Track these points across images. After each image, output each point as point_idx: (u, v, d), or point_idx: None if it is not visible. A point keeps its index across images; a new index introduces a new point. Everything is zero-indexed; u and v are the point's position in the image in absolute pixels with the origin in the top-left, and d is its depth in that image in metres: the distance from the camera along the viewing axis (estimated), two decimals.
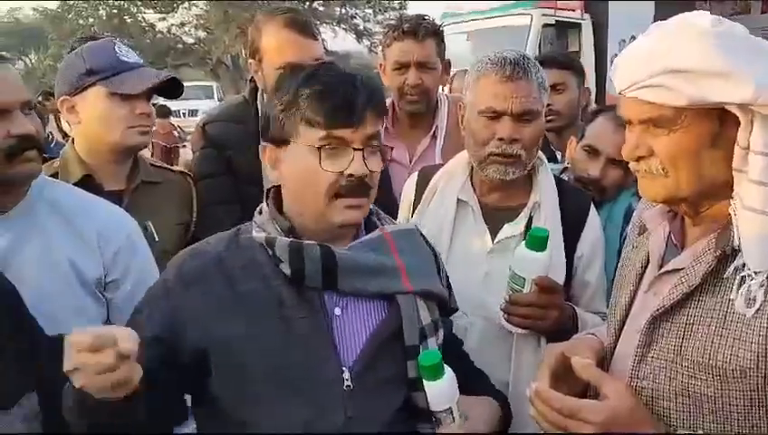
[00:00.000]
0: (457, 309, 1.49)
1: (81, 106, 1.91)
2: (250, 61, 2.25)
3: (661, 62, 1.11)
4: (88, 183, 1.88)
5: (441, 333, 1.36)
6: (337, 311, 1.30)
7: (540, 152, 1.86)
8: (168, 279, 1.34)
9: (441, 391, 1.27)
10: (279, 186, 1.36)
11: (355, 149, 1.26)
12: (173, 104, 18.83)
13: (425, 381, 1.27)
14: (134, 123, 1.92)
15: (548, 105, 2.72)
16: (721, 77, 1.07)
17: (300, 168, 1.28)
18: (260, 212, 1.37)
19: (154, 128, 2.11)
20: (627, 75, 1.17)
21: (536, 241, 1.58)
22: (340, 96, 1.24)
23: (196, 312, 1.27)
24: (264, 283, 1.29)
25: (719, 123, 1.12)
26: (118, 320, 1.53)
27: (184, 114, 17.11)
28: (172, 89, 2.02)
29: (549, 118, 2.73)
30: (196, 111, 16.49)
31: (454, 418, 1.28)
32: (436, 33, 2.48)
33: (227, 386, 1.25)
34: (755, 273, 1.10)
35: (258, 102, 2.24)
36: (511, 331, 1.68)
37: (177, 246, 2.05)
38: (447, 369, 1.27)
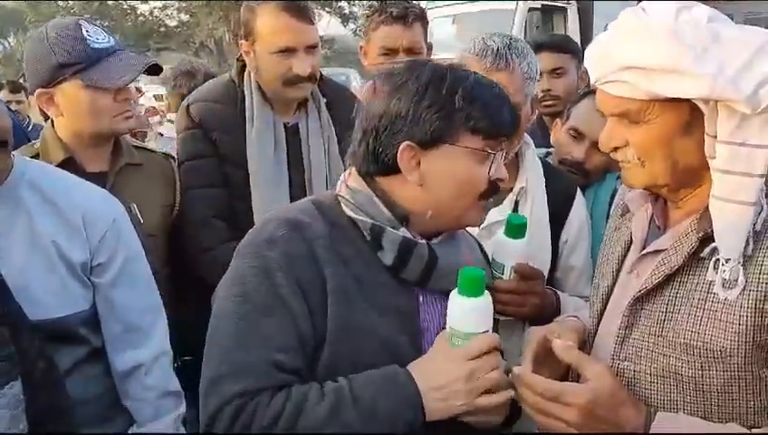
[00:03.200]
0: None
1: (60, 99, 1.85)
2: (241, 41, 2.21)
3: (616, 60, 1.12)
4: (70, 165, 1.85)
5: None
6: (421, 298, 1.34)
7: (526, 136, 1.86)
8: (272, 267, 1.23)
9: (481, 309, 1.23)
10: (371, 173, 1.32)
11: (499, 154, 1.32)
12: (155, 89, 18.66)
13: (467, 298, 1.21)
14: (119, 111, 1.88)
15: (548, 90, 2.76)
16: (675, 73, 1.08)
17: (456, 170, 1.28)
18: (350, 190, 1.33)
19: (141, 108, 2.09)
20: (593, 70, 1.18)
21: (514, 228, 1.59)
22: (507, 106, 1.31)
23: (319, 296, 1.24)
24: (365, 267, 1.29)
25: (690, 112, 1.12)
26: (103, 304, 1.52)
27: (167, 98, 16.89)
28: (151, 68, 1.97)
29: (548, 103, 2.75)
30: None
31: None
32: (423, 18, 2.49)
33: (335, 375, 1.23)
34: (726, 260, 1.11)
35: (245, 83, 2.21)
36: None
37: (162, 229, 2.05)
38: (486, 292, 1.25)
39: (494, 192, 1.33)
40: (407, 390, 1.20)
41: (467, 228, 1.78)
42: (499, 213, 1.79)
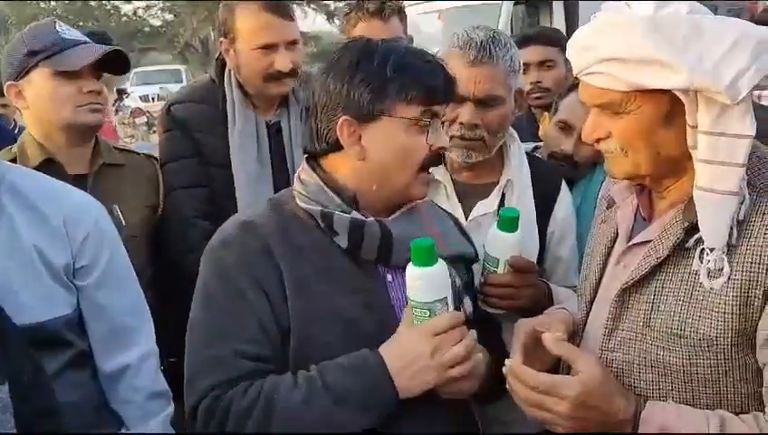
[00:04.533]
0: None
1: (27, 90, 1.86)
2: (221, 39, 2.20)
3: (598, 52, 1.13)
4: (50, 167, 1.83)
5: (472, 294, 1.44)
6: (389, 277, 1.36)
7: (512, 130, 1.87)
8: (228, 265, 1.30)
9: (433, 277, 1.25)
10: (316, 156, 1.38)
11: (442, 123, 1.35)
12: (141, 89, 18.56)
13: (420, 268, 1.24)
14: (83, 102, 1.87)
15: (537, 82, 2.76)
16: (653, 64, 1.08)
17: (395, 140, 1.31)
18: (302, 183, 1.37)
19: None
20: (575, 62, 1.19)
21: (507, 222, 1.59)
22: (440, 74, 1.32)
23: (277, 289, 1.28)
24: (323, 254, 1.32)
25: (671, 102, 1.13)
26: (87, 306, 1.50)
27: (152, 99, 16.81)
28: (119, 65, 1.96)
29: (538, 95, 2.75)
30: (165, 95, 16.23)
31: (448, 308, 1.28)
32: (400, 12, 2.51)
33: (305, 363, 1.27)
34: (710, 250, 1.12)
35: (226, 83, 2.20)
36: (488, 312, 1.69)
37: (145, 231, 2.03)
38: (441, 260, 1.27)
39: (436, 161, 1.36)
40: (377, 372, 1.23)
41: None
42: (485, 206, 1.80)
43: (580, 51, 1.17)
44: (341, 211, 1.32)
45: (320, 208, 1.33)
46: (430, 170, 1.79)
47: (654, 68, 1.09)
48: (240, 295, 1.27)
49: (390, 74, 1.28)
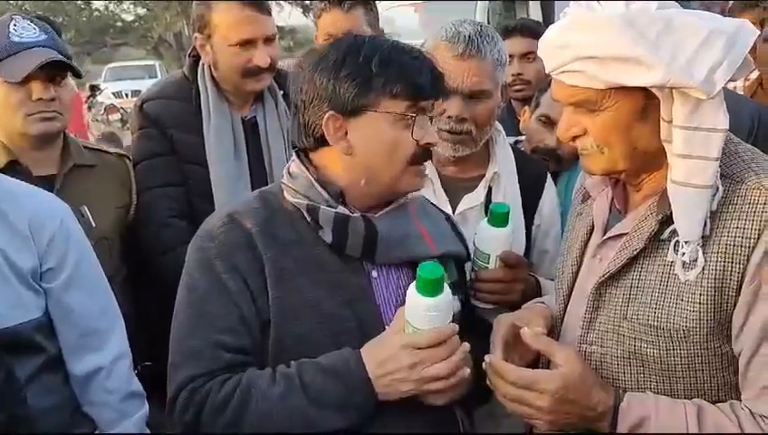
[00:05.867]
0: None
1: None
2: (196, 35, 2.16)
3: (572, 50, 1.13)
4: (15, 169, 1.79)
5: (462, 294, 1.44)
6: (374, 274, 1.36)
7: (497, 123, 1.86)
8: (211, 256, 1.30)
9: (437, 309, 1.24)
10: (306, 149, 1.37)
11: (430, 119, 1.34)
12: (114, 85, 18.27)
13: (425, 298, 1.22)
14: (32, 110, 1.81)
15: (518, 74, 2.75)
16: (630, 62, 1.08)
17: (380, 136, 1.30)
18: (291, 176, 1.37)
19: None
20: (548, 60, 1.18)
21: (498, 217, 1.59)
22: (427, 69, 1.31)
23: (259, 280, 1.28)
24: (308, 248, 1.32)
25: (645, 97, 1.13)
26: (56, 309, 1.48)
27: (126, 95, 16.57)
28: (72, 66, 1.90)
29: (519, 87, 2.74)
30: (139, 91, 15.89)
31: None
32: (365, 2, 2.49)
33: (284, 355, 1.27)
34: (685, 243, 1.13)
35: (199, 78, 2.17)
36: (479, 307, 1.69)
37: (118, 232, 2.00)
38: (446, 287, 1.25)
39: (425, 156, 1.35)
40: (356, 375, 1.23)
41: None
42: (472, 200, 1.80)
43: (554, 49, 1.17)
44: (328, 206, 1.32)
45: (306, 202, 1.32)
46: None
47: (630, 65, 1.09)
48: (222, 286, 1.28)
49: (376, 69, 1.27)
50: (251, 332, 1.27)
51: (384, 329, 1.30)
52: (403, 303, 1.27)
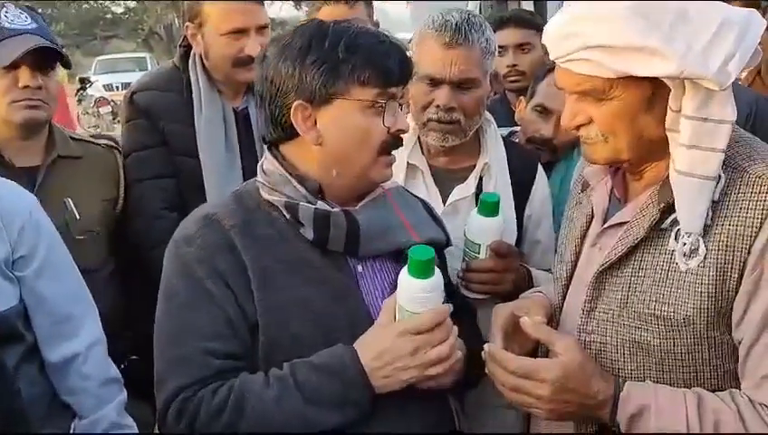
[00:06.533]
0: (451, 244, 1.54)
1: None
2: (187, 24, 2.14)
3: (581, 38, 1.11)
4: None
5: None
6: (359, 268, 1.34)
7: (487, 113, 1.85)
8: (190, 261, 1.26)
9: (429, 290, 1.23)
10: (277, 144, 1.34)
11: (400, 105, 1.31)
12: (105, 78, 18.14)
13: (418, 280, 1.21)
14: (18, 97, 1.78)
15: (513, 65, 2.73)
16: (643, 51, 1.07)
17: (350, 124, 1.27)
18: (265, 173, 1.34)
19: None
20: (553, 48, 1.16)
21: (488, 207, 1.58)
22: (395, 55, 1.28)
23: (242, 282, 1.25)
24: (290, 246, 1.29)
25: (653, 86, 1.12)
26: (30, 297, 1.48)
27: (117, 87, 16.45)
28: (62, 57, 1.87)
29: (514, 78, 2.72)
30: (130, 84, 15.82)
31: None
32: None
33: (275, 356, 1.24)
34: (687, 234, 1.12)
35: (190, 69, 2.14)
36: (470, 297, 1.68)
37: (105, 224, 1.97)
38: (437, 271, 1.24)
39: (395, 144, 1.32)
40: (351, 371, 1.21)
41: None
42: (463, 190, 1.79)
43: (561, 37, 1.14)
44: (307, 202, 1.29)
45: (284, 199, 1.30)
46: (409, 160, 1.80)
47: (643, 55, 1.07)
48: (204, 292, 1.24)
49: (343, 56, 1.24)
50: (239, 335, 1.23)
51: (373, 323, 1.27)
52: (389, 296, 1.26)
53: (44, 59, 1.81)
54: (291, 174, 1.30)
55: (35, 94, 1.80)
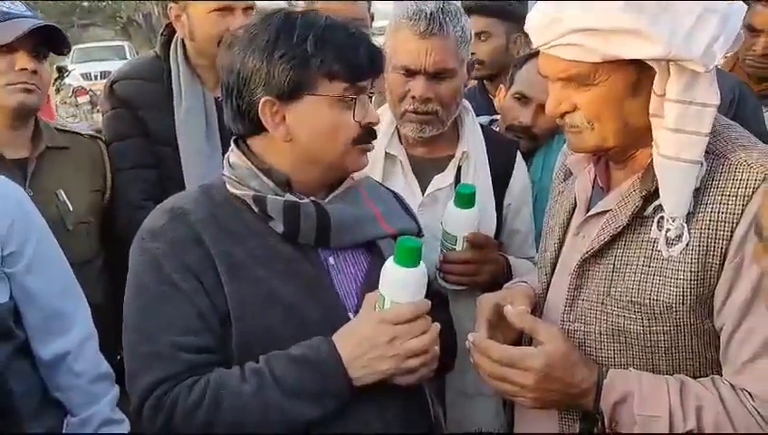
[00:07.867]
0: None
1: None
2: (171, 5, 2.09)
3: (564, 23, 1.10)
4: None
5: None
6: (331, 260, 1.32)
7: (465, 102, 1.84)
8: (158, 256, 1.23)
9: (415, 280, 1.22)
10: (243, 137, 1.31)
11: (369, 97, 1.29)
12: (83, 67, 17.87)
13: (404, 269, 1.20)
14: (14, 80, 1.76)
15: (471, 53, 2.72)
16: (630, 34, 1.07)
17: (320, 119, 1.25)
18: (231, 166, 1.31)
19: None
20: (538, 35, 1.16)
21: (464, 198, 1.57)
22: (364, 48, 1.26)
23: (212, 276, 1.22)
24: (260, 239, 1.27)
25: (637, 71, 1.12)
26: (20, 293, 1.45)
27: (95, 77, 16.21)
28: (58, 42, 1.86)
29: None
30: (108, 72, 15.53)
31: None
32: None
33: (250, 349, 1.22)
34: (672, 219, 1.12)
35: (171, 57, 2.11)
36: (447, 289, 1.68)
37: (95, 215, 1.95)
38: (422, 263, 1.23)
39: (369, 137, 1.31)
40: (329, 362, 1.20)
41: (408, 196, 1.75)
42: (441, 181, 1.78)
43: (545, 23, 1.14)
44: (275, 195, 1.27)
45: (252, 193, 1.27)
46: (387, 150, 1.78)
47: (630, 38, 1.07)
48: (173, 286, 1.21)
49: (311, 50, 1.21)
50: (211, 329, 1.21)
51: (346, 315, 1.27)
52: (362, 289, 1.26)
53: (41, 46, 1.79)
54: (258, 167, 1.28)
55: (31, 78, 1.78)
